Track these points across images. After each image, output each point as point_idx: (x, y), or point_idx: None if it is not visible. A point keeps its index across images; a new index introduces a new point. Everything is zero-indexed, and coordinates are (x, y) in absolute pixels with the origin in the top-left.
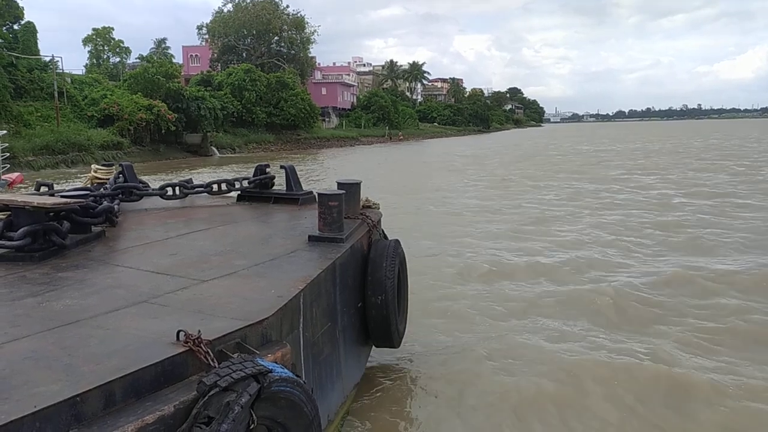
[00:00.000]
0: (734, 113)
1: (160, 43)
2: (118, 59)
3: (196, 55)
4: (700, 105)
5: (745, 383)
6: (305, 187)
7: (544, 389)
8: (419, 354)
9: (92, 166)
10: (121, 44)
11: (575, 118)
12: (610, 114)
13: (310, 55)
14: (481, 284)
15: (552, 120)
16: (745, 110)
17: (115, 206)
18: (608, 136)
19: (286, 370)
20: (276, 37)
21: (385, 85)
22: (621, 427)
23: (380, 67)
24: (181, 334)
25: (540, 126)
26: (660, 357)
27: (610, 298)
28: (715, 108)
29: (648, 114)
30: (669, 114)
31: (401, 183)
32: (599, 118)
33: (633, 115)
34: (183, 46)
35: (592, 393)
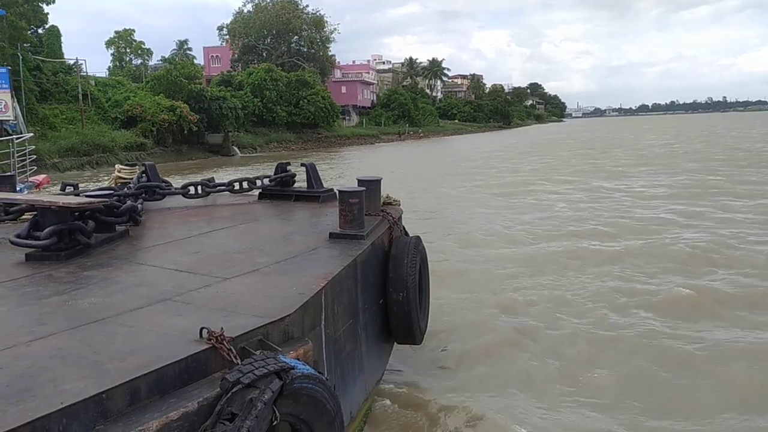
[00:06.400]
0: (760, 105)
1: (182, 45)
2: (140, 61)
3: (217, 56)
4: (725, 98)
5: None
6: (326, 185)
7: (568, 389)
8: (441, 351)
9: (116, 166)
10: (143, 46)
11: (597, 112)
12: (633, 108)
13: (329, 54)
14: (506, 281)
15: (574, 115)
16: None
17: (139, 205)
18: (652, 129)
19: (308, 367)
20: (296, 37)
21: (404, 83)
22: None
23: (400, 65)
24: (204, 331)
25: (562, 121)
26: None
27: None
28: (741, 101)
29: (672, 107)
30: (693, 107)
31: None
32: (622, 112)
33: (657, 108)
34: (204, 47)
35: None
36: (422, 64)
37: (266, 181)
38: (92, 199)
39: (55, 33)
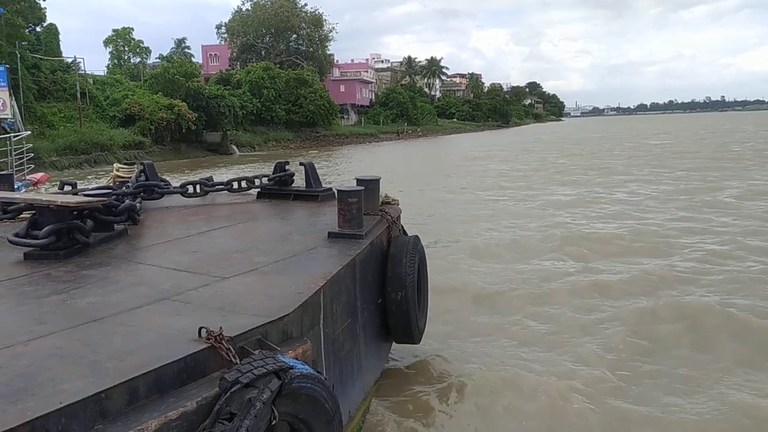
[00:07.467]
0: (758, 105)
1: (180, 43)
2: (138, 59)
3: (216, 54)
4: (723, 97)
5: None
6: (324, 184)
7: (567, 386)
8: (439, 350)
9: (114, 165)
10: (141, 44)
11: (596, 112)
12: (632, 107)
13: (328, 53)
14: (503, 280)
15: (572, 114)
16: None
17: (137, 204)
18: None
19: (306, 367)
20: (294, 35)
21: (403, 82)
22: None
23: (398, 64)
24: (203, 330)
25: (560, 120)
26: None
27: None
28: (739, 100)
29: (670, 107)
30: (692, 107)
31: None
32: (620, 111)
33: (655, 108)
34: (202, 46)
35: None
36: (421, 63)
37: (265, 180)
38: (91, 198)
39: (53, 31)
